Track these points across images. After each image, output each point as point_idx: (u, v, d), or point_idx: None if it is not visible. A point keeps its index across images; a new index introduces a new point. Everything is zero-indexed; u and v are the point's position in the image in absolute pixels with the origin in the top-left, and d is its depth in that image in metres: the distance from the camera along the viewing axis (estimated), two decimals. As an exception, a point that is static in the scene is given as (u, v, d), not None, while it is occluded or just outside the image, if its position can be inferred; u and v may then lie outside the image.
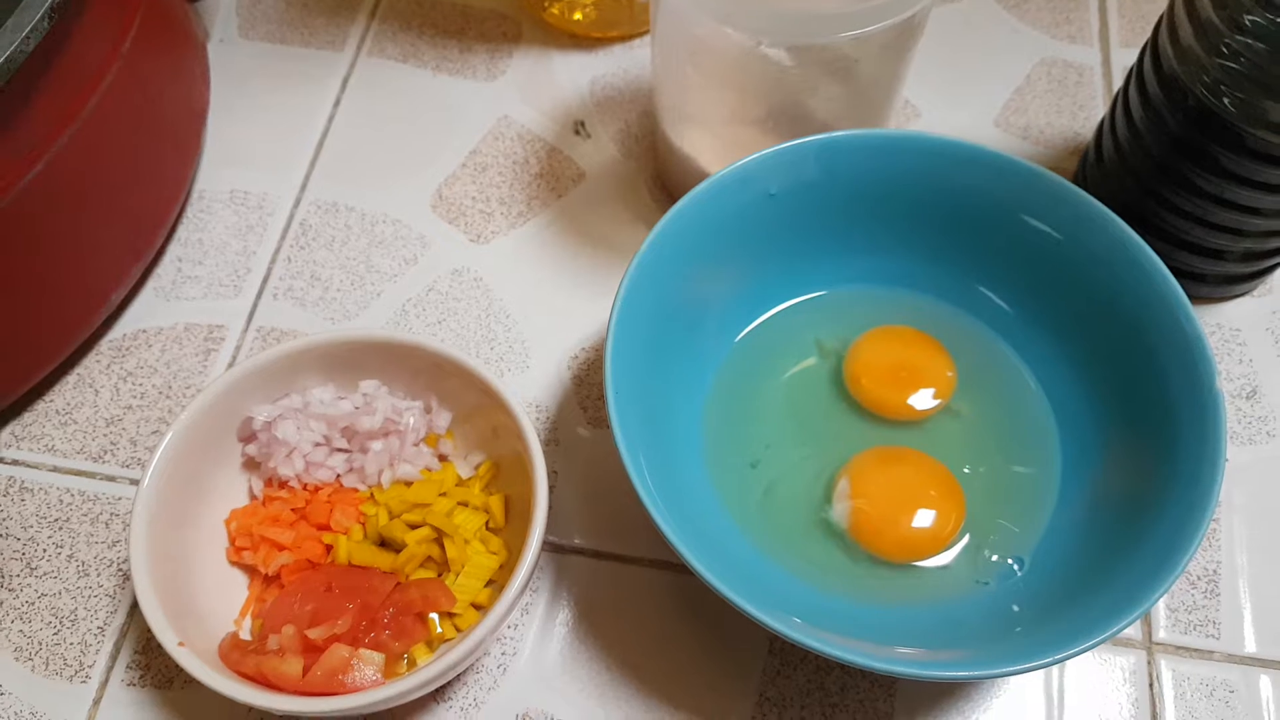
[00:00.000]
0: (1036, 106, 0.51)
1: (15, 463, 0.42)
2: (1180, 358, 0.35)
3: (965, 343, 0.41)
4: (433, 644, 0.36)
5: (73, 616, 0.39)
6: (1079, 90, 0.52)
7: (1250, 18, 0.35)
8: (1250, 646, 0.38)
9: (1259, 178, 0.38)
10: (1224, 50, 0.36)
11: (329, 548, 0.38)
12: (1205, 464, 0.33)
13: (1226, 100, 0.37)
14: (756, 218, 0.40)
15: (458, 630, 0.36)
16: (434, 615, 0.36)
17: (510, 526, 0.39)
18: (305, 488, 0.39)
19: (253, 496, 0.39)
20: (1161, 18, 0.40)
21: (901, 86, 0.42)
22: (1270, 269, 0.45)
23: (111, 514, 0.41)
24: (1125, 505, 0.35)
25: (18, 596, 0.39)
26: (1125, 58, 0.52)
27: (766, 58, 0.38)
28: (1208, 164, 0.39)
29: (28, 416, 0.43)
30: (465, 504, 0.38)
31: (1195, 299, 0.45)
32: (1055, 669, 0.38)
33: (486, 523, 0.38)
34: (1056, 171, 0.44)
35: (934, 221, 0.40)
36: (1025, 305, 0.40)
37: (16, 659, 0.38)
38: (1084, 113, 0.51)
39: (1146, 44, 0.41)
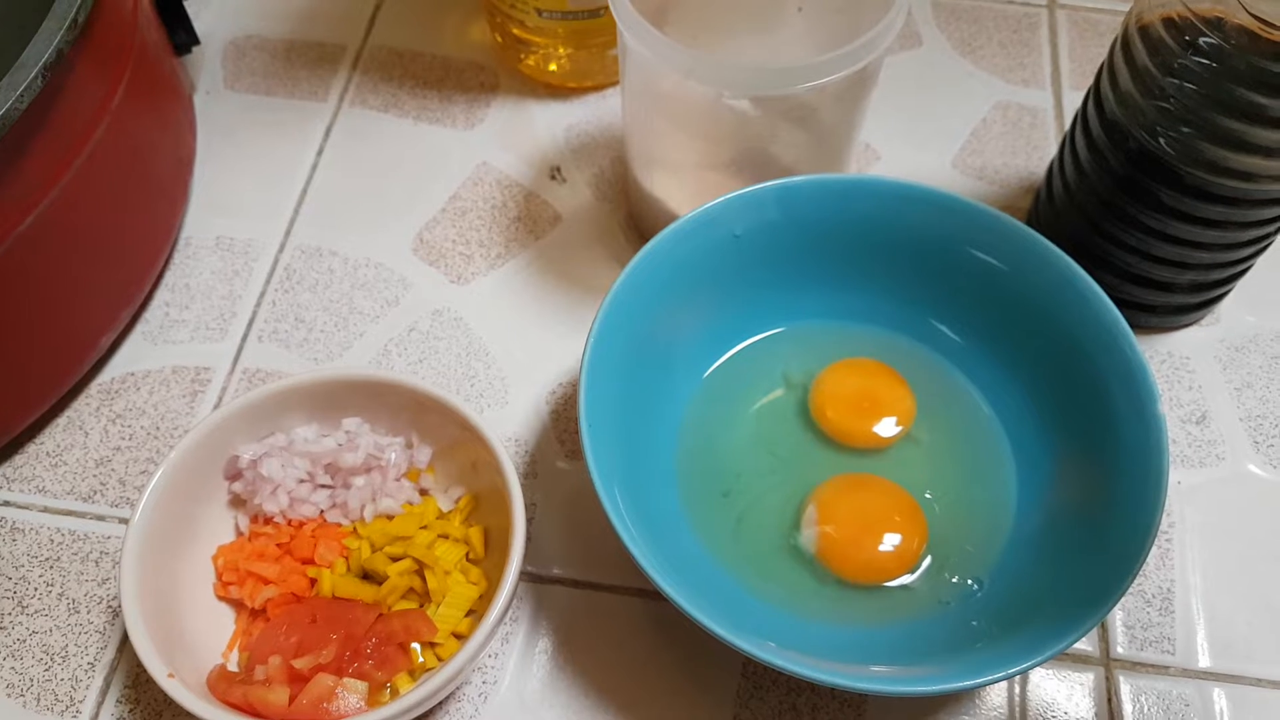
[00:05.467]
0: (992, 148, 0.53)
1: (7, 504, 0.43)
2: (1123, 382, 0.37)
3: (923, 373, 0.43)
4: (415, 673, 0.37)
5: (63, 653, 0.40)
6: (1033, 132, 0.54)
7: (1181, 62, 0.37)
8: (1204, 661, 0.40)
9: (1199, 214, 0.40)
10: (1159, 93, 0.38)
11: (313, 581, 0.39)
12: (1150, 483, 0.35)
13: (1163, 141, 0.39)
14: (723, 257, 0.41)
15: (439, 659, 0.37)
16: (416, 645, 0.37)
17: (490, 557, 0.40)
18: (290, 523, 0.40)
19: (239, 532, 0.40)
20: (1102, 65, 0.42)
21: (859, 131, 0.44)
22: (1216, 299, 0.47)
23: (101, 552, 0.42)
24: (1077, 523, 0.37)
25: (9, 634, 0.40)
26: (1076, 100, 0.55)
27: (729, 108, 0.40)
28: (1150, 201, 0.41)
29: (19, 459, 0.44)
30: (446, 536, 0.39)
31: (1145, 329, 0.47)
32: (1017, 686, 0.39)
33: (467, 554, 0.39)
34: (1011, 210, 0.46)
35: (888, 259, 0.42)
36: (976, 336, 0.42)
37: (8, 695, 0.39)
38: (1037, 153, 0.53)
39: (1089, 89, 0.43)
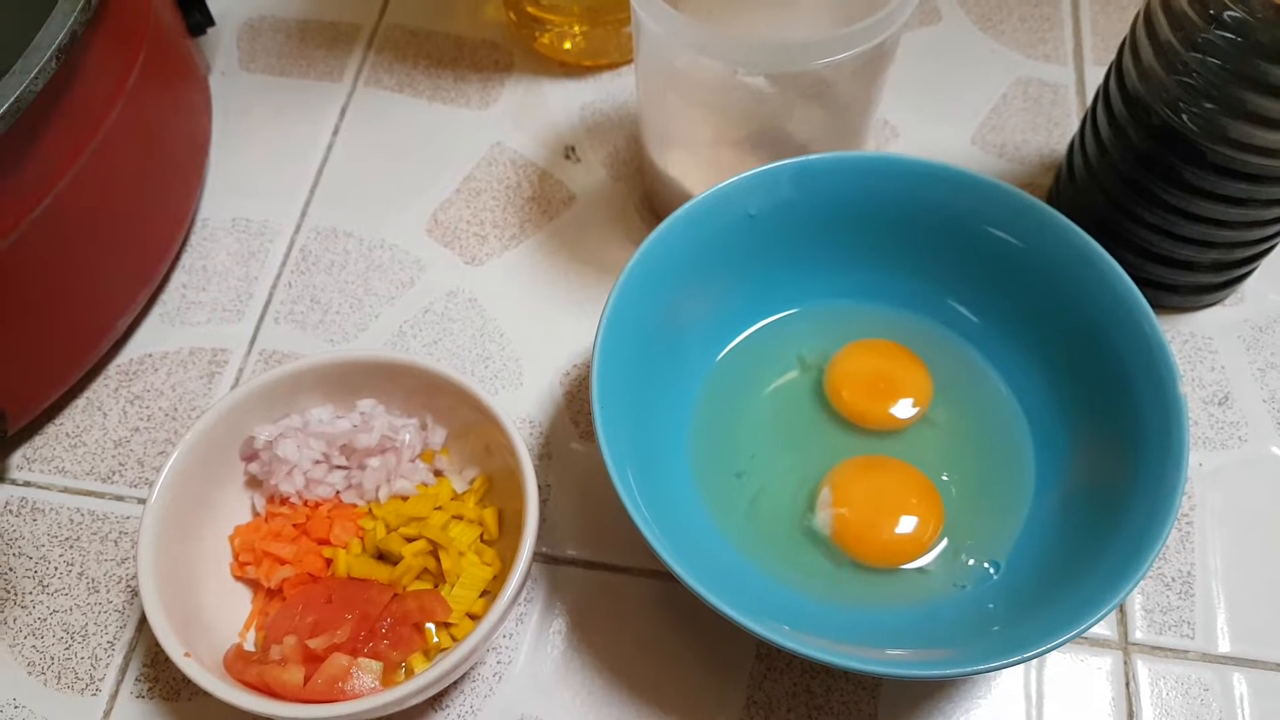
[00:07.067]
0: (1013, 124, 0.53)
1: (27, 484, 0.44)
2: (1143, 362, 0.37)
3: (940, 353, 0.42)
4: (430, 653, 0.38)
5: (83, 632, 0.40)
6: (1054, 108, 0.53)
7: (1204, 36, 0.36)
8: (1224, 646, 0.39)
9: (1222, 191, 0.40)
10: (1181, 68, 0.37)
11: (329, 561, 0.39)
12: (1169, 465, 0.34)
13: (1186, 117, 0.38)
14: (737, 237, 0.41)
15: (454, 639, 0.38)
16: (430, 625, 0.37)
17: (504, 539, 0.40)
18: (306, 504, 0.40)
19: (255, 513, 0.40)
20: (1125, 39, 0.41)
21: (876, 108, 0.44)
22: (1240, 279, 0.46)
23: (120, 532, 0.42)
24: (1095, 506, 0.36)
25: (30, 613, 0.41)
26: (1098, 76, 0.54)
27: (744, 84, 0.39)
28: (1173, 179, 0.40)
29: (39, 440, 0.45)
30: (460, 517, 0.39)
31: (1168, 309, 0.46)
32: (1034, 669, 0.39)
33: (481, 535, 0.40)
34: (1032, 188, 0.46)
35: (905, 238, 0.42)
36: (994, 315, 0.42)
37: (29, 673, 0.39)
38: (1059, 130, 0.52)
39: (1111, 65, 0.42)
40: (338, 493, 0.40)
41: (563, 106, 0.54)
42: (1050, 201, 0.47)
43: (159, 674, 0.39)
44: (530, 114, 0.53)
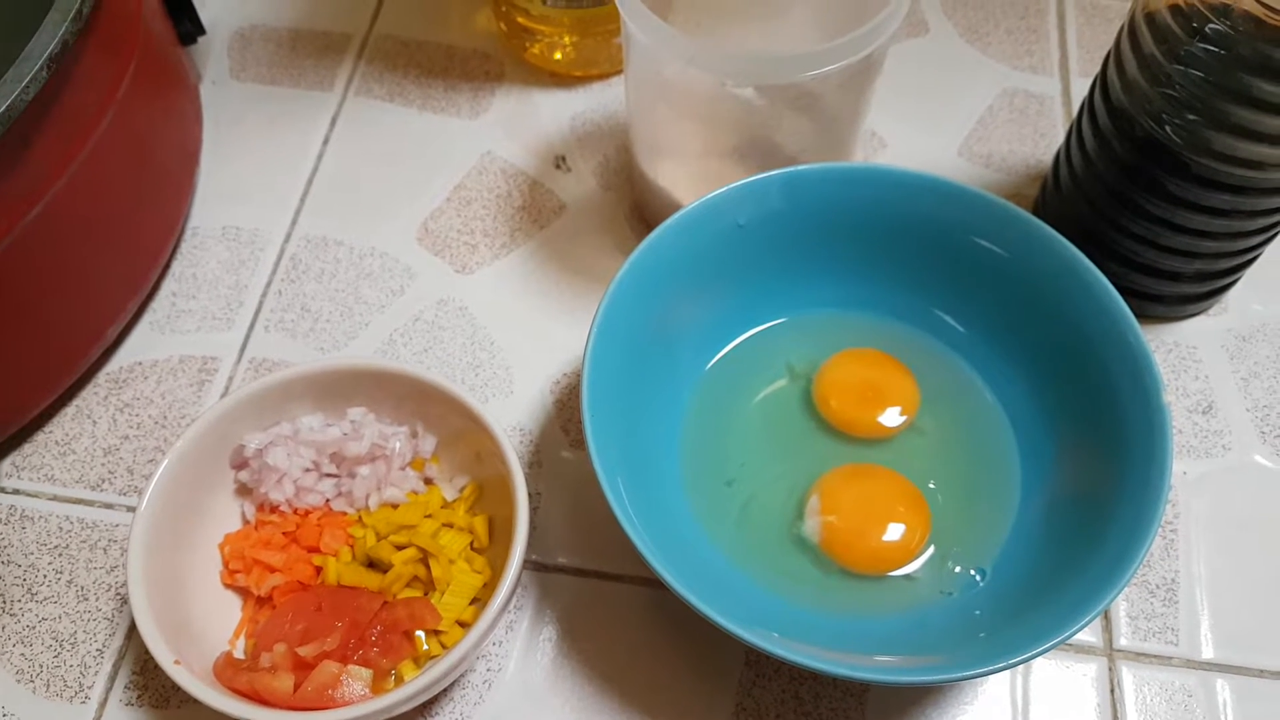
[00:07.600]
0: (999, 135, 0.53)
1: (16, 492, 0.43)
2: (1128, 371, 0.37)
3: (927, 362, 0.42)
4: (420, 661, 0.38)
5: (72, 639, 0.40)
6: (1040, 119, 0.54)
7: (1187, 49, 0.37)
8: (1208, 652, 0.40)
9: (1206, 202, 0.40)
10: (1164, 80, 0.38)
11: (319, 569, 0.39)
12: (1154, 473, 0.35)
13: (1169, 129, 0.39)
14: (727, 247, 0.41)
15: (444, 647, 0.38)
16: (420, 633, 0.38)
17: (494, 546, 0.40)
18: (296, 512, 0.40)
19: (245, 521, 0.40)
20: (1109, 52, 0.42)
21: (864, 119, 0.44)
22: (1224, 289, 0.47)
23: (109, 540, 0.42)
24: (1080, 513, 0.37)
25: (19, 621, 0.41)
26: (1084, 88, 0.54)
27: (733, 96, 0.40)
28: (1157, 190, 0.41)
29: (28, 447, 0.45)
30: (450, 525, 0.40)
31: (1153, 318, 0.47)
32: (1020, 676, 0.39)
33: (471, 543, 0.40)
34: (1018, 198, 0.46)
35: (893, 248, 0.42)
36: (980, 325, 0.42)
37: (18, 681, 0.39)
38: (1045, 141, 0.53)
39: (1096, 77, 0.43)
40: (328, 501, 0.40)
41: (553, 116, 0.54)
42: (1036, 212, 0.47)
43: (148, 682, 0.39)
44: (521, 123, 0.54)
